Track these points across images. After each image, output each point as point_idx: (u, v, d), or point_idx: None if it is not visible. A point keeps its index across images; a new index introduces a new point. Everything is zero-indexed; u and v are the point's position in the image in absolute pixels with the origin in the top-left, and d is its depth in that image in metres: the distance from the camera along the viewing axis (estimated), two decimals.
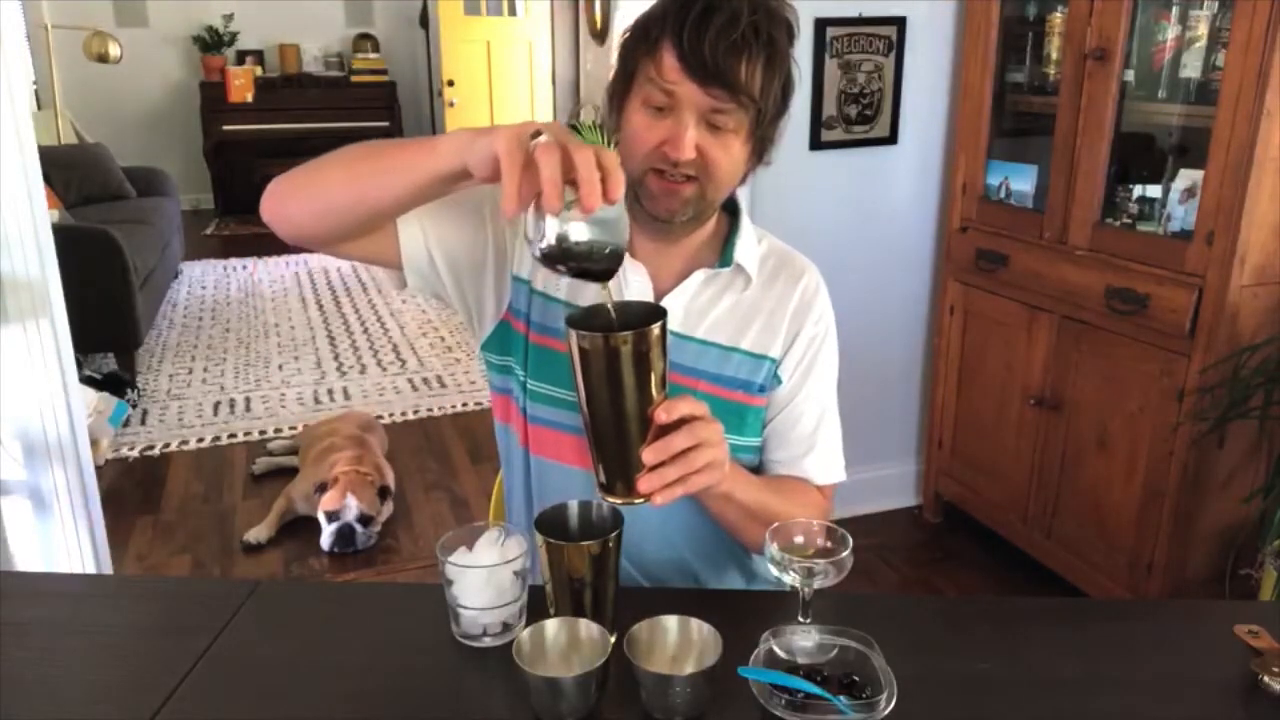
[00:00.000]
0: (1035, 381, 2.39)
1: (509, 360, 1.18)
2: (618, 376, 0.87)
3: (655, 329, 0.87)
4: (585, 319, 0.91)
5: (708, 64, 0.99)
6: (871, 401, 2.81)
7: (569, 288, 1.14)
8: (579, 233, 0.84)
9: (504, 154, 0.80)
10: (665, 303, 1.13)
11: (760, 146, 1.10)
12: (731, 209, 1.21)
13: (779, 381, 1.18)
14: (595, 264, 0.87)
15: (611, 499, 0.93)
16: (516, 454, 1.20)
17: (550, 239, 0.84)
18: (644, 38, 1.04)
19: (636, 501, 0.91)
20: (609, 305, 0.91)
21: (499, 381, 1.20)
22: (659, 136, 1.04)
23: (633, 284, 1.14)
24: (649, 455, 0.89)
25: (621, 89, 1.08)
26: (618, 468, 0.91)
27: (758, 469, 1.22)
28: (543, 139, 0.81)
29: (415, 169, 0.93)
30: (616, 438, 0.90)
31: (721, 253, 1.17)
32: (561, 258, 0.86)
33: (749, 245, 1.18)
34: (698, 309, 1.16)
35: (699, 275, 1.15)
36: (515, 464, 1.21)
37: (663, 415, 0.89)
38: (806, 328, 1.19)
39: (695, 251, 1.17)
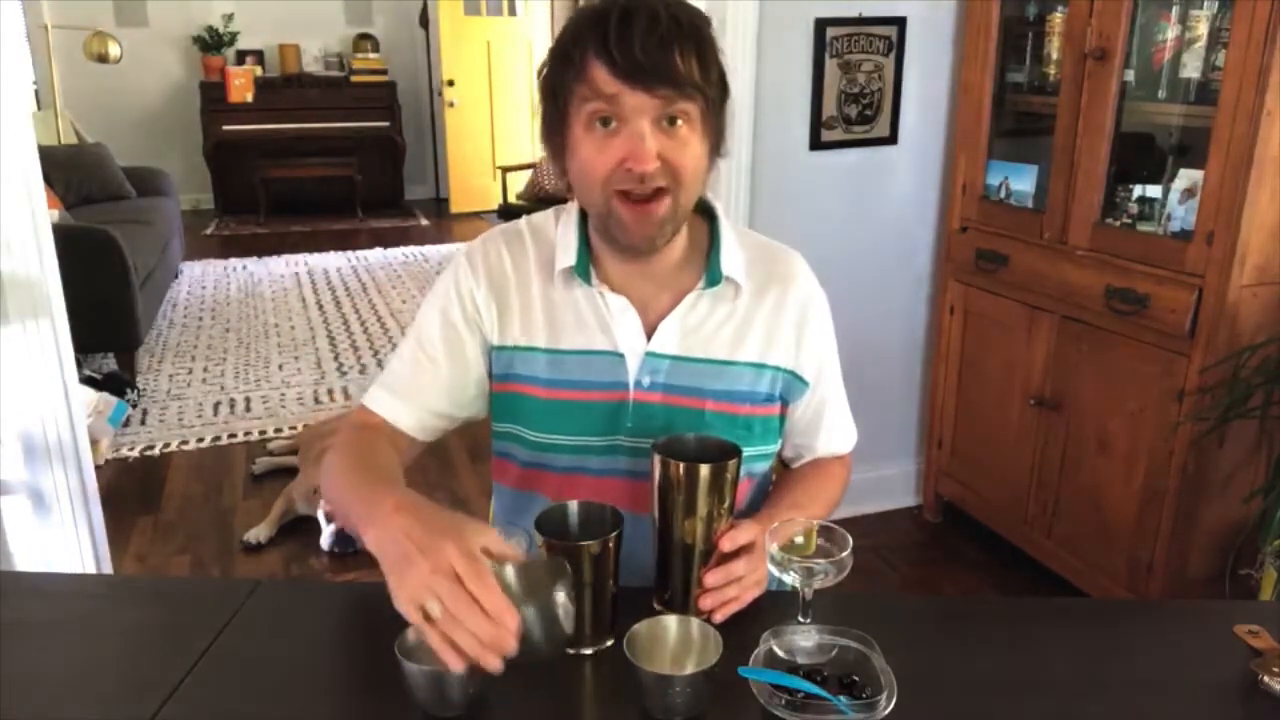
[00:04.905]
0: (1035, 381, 2.39)
1: (509, 426, 1.18)
2: (693, 502, 0.98)
3: (731, 464, 0.98)
4: (669, 446, 1.01)
5: (644, 65, 0.95)
6: (871, 402, 2.78)
7: (546, 333, 1.13)
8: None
9: (411, 619, 0.80)
10: (661, 330, 1.12)
11: (715, 138, 1.06)
12: (707, 212, 1.18)
13: (805, 385, 1.19)
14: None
15: (670, 611, 1.00)
16: (537, 502, 1.18)
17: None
18: (567, 62, 1.00)
19: (693, 614, 0.97)
20: (692, 436, 1.03)
21: (517, 452, 1.20)
22: (616, 156, 0.99)
23: (620, 320, 1.12)
24: (711, 579, 0.98)
25: (557, 125, 1.04)
26: (680, 583, 1.01)
27: (768, 473, 1.24)
28: (434, 612, 0.78)
29: (351, 520, 0.98)
30: (683, 556, 1.00)
31: (707, 267, 1.14)
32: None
33: (733, 254, 1.14)
34: (692, 328, 1.13)
35: (689, 299, 1.13)
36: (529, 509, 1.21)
37: (727, 545, 0.98)
38: (811, 329, 1.18)
39: (675, 270, 1.14)
